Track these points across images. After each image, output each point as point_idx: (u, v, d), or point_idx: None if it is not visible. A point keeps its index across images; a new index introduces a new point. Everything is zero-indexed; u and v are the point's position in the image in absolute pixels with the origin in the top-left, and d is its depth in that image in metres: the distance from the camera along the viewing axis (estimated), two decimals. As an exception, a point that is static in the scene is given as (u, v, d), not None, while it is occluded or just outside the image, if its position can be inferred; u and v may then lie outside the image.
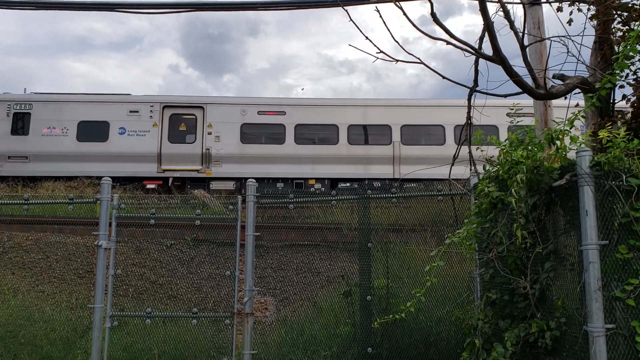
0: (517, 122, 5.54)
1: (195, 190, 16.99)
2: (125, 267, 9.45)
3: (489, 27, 5.41)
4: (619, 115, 6.10)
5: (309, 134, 19.29)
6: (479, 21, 5.22)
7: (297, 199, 7.13)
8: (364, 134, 19.36)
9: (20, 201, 7.09)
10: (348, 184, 18.54)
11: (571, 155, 4.56)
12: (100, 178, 7.05)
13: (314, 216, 9.99)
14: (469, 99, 6.83)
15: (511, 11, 5.72)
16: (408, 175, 17.27)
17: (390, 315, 5.38)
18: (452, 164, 6.96)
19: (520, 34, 5.78)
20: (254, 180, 6.83)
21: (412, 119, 19.24)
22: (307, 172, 18.74)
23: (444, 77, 6.28)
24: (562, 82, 6.10)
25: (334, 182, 18.81)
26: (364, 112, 19.35)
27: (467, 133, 7.12)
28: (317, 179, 18.83)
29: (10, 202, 7.67)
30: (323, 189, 18.46)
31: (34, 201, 7.14)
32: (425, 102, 19.99)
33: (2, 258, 9.91)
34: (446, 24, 5.57)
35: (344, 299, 7.22)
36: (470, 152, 6.95)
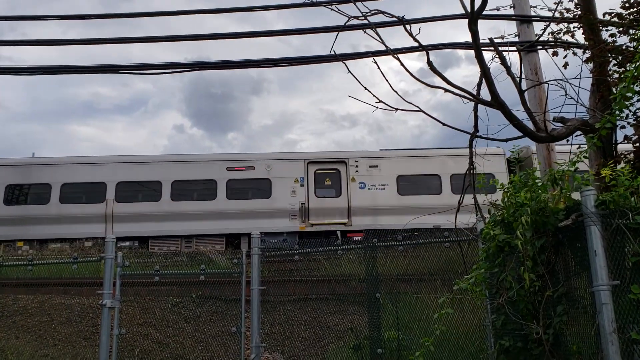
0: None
1: (202, 247, 16.91)
2: (131, 327, 9.29)
3: (485, 73, 5.47)
4: (622, 156, 6.08)
5: (19, 194, 18.79)
6: (476, 71, 5.30)
7: (303, 251, 7.07)
8: (78, 191, 18.90)
9: (25, 263, 7.06)
10: (59, 244, 18.08)
11: (575, 195, 4.52)
12: None
13: (320, 268, 9.87)
14: (470, 145, 6.84)
15: (507, 57, 5.81)
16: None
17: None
18: (457, 210, 6.90)
19: (518, 79, 5.85)
20: (258, 233, 6.78)
21: (128, 175, 19.03)
22: (15, 234, 18.11)
23: (443, 124, 6.31)
24: (562, 125, 6.11)
25: (42, 242, 18.28)
26: (79, 170, 19.00)
27: (470, 180, 7.09)
28: (26, 241, 18.30)
29: (15, 264, 7.61)
30: (31, 250, 17.93)
31: (38, 262, 7.10)
32: (140, 158, 19.79)
33: (6, 322, 9.78)
34: (444, 75, 5.66)
35: (354, 353, 7.02)
36: (475, 198, 6.91)
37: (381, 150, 20.57)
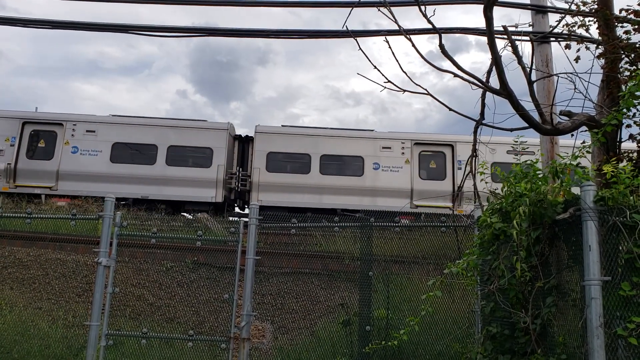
0: None
1: (199, 214, 16.97)
2: (124, 287, 9.39)
3: (496, 60, 5.44)
4: (625, 154, 6.08)
5: None
6: (485, 58, 5.28)
7: (300, 225, 7.11)
8: None
9: (23, 215, 7.10)
10: None
11: (575, 190, 4.54)
12: None
13: (316, 244, 9.94)
14: (475, 132, 6.84)
15: (519, 47, 5.77)
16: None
17: (383, 342, 5.31)
18: (456, 195, 6.93)
19: (528, 70, 5.82)
20: (257, 204, 6.82)
21: None
22: None
23: (450, 109, 6.30)
24: (568, 119, 6.11)
25: None
26: None
27: (472, 166, 7.10)
28: None
29: (13, 215, 7.66)
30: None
31: (36, 215, 7.14)
32: None
33: (2, 273, 9.88)
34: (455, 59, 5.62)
35: (342, 329, 7.12)
36: (475, 185, 6.93)
37: (112, 115, 20.05)
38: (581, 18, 6.86)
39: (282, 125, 19.98)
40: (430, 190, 18.12)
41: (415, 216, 17.92)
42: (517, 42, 5.92)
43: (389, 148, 18.89)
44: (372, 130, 19.90)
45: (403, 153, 18.84)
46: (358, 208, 17.94)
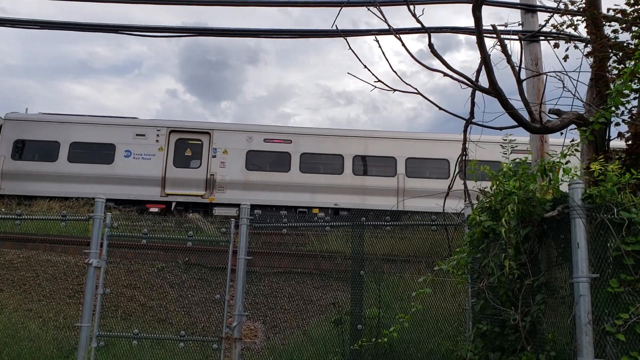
0: None
1: (190, 214, 16.92)
2: (116, 288, 9.35)
3: (485, 60, 5.46)
4: (613, 152, 6.12)
5: None
6: (476, 57, 5.30)
7: (291, 224, 7.11)
8: None
9: (13, 216, 7.05)
10: None
11: (564, 188, 4.58)
12: None
13: (307, 243, 9.93)
14: (465, 131, 6.86)
15: (509, 46, 5.80)
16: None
17: (373, 339, 5.33)
18: (447, 195, 6.94)
19: (517, 68, 5.84)
20: (248, 204, 6.81)
21: None
22: None
23: (440, 108, 6.32)
24: (557, 117, 6.14)
25: None
26: None
27: (462, 166, 7.12)
28: None
29: (3, 217, 7.60)
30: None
31: (26, 217, 7.09)
32: None
33: (-8, 274, 9.83)
34: (444, 58, 5.63)
35: (334, 328, 7.13)
36: (465, 184, 6.95)
37: None
38: (570, 17, 6.90)
39: (41, 113, 19.56)
40: (184, 179, 18.29)
41: (166, 205, 18.06)
42: (507, 41, 5.95)
43: (143, 135, 18.70)
44: (135, 118, 19.68)
45: (157, 141, 18.71)
46: (107, 197, 17.70)
